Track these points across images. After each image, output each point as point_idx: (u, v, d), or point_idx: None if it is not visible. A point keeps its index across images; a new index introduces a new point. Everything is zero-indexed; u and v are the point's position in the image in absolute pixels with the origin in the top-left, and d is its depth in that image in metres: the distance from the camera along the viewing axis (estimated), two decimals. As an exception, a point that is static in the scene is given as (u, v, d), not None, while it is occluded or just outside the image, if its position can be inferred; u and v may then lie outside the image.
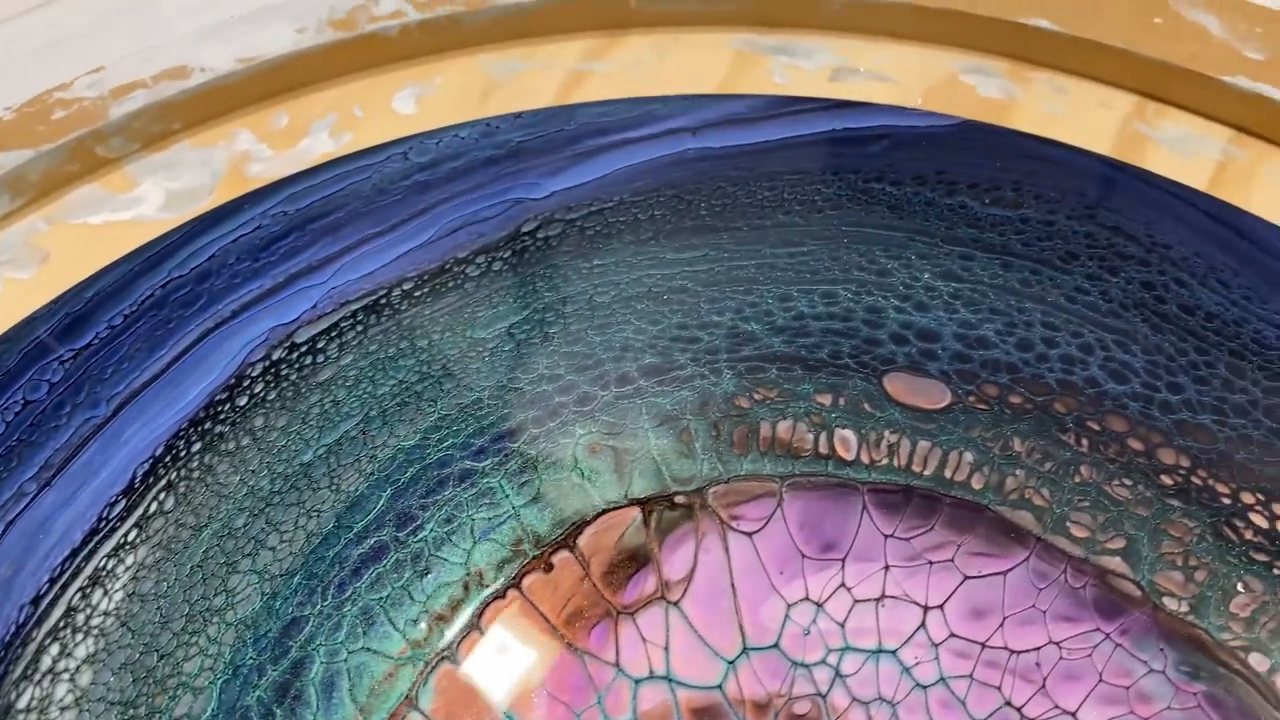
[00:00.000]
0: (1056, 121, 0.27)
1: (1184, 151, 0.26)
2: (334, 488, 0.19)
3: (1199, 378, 0.21)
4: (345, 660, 0.18)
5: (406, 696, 0.18)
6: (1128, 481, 0.20)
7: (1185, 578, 0.19)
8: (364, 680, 0.18)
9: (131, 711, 0.17)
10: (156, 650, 0.18)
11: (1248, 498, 0.20)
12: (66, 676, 0.17)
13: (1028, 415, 0.21)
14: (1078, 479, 0.20)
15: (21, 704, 0.17)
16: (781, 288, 0.22)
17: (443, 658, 0.18)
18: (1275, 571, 0.19)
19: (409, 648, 0.18)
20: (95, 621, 0.18)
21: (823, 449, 0.20)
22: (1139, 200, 0.24)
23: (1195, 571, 0.19)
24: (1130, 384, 0.21)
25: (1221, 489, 0.20)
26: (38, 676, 0.17)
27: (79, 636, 0.18)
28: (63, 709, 0.17)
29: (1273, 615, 0.19)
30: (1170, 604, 0.19)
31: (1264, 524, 0.19)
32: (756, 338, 0.22)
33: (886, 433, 0.20)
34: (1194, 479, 0.20)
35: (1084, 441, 0.20)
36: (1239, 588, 0.19)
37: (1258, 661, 0.18)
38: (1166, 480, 0.20)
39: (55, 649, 0.18)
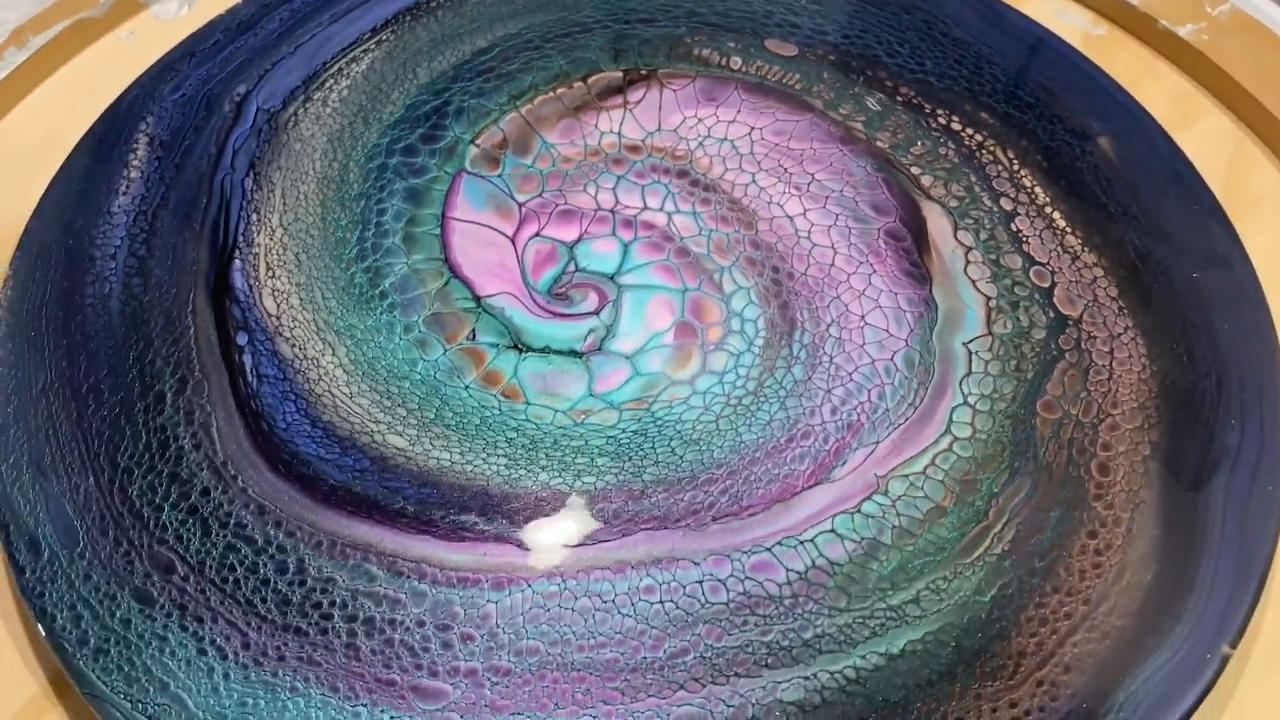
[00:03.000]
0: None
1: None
2: (471, 43, 0.39)
3: (936, 60, 0.39)
4: (465, 104, 0.37)
5: (494, 121, 0.36)
6: (878, 95, 0.37)
7: (891, 135, 0.36)
8: (475, 112, 0.37)
9: (346, 117, 0.36)
10: (379, 88, 0.37)
11: (940, 111, 0.37)
12: (335, 88, 0.37)
13: (835, 65, 0.38)
14: (852, 92, 0.38)
15: (345, 95, 0.37)
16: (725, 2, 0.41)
17: (514, 110, 0.37)
18: (940, 139, 0.36)
19: (497, 106, 0.37)
20: (348, 75, 0.37)
21: (722, 63, 0.38)
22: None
23: (898, 133, 0.36)
24: (897, 59, 0.39)
25: (927, 105, 0.37)
26: (324, 88, 0.37)
27: (342, 78, 0.37)
28: (334, 103, 0.37)
29: (931, 156, 0.36)
30: (880, 145, 0.36)
31: (944, 122, 0.37)
32: (705, 16, 0.40)
33: (758, 62, 0.38)
34: (915, 100, 0.37)
35: (861, 79, 0.38)
36: (918, 143, 0.36)
37: (917, 178, 0.35)
38: (899, 99, 0.37)
39: (332, 80, 0.37)
